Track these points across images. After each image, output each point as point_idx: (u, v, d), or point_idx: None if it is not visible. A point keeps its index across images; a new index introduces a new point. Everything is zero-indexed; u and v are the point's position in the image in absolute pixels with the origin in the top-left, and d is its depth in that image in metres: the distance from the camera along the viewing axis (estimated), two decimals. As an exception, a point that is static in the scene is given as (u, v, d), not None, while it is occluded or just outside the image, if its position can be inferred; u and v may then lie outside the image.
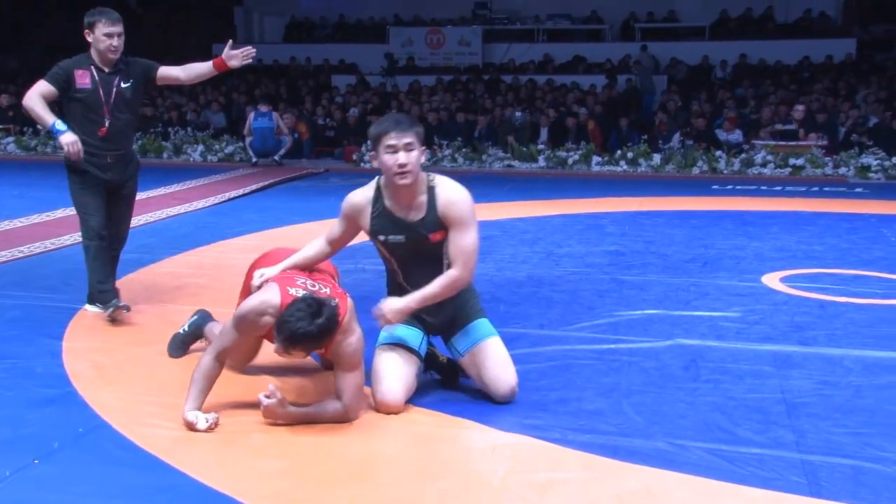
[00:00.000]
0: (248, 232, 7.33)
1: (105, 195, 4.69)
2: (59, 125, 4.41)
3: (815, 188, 10.53)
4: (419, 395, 3.60)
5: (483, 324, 3.60)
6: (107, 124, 4.59)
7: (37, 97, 4.44)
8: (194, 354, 4.14)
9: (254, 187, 10.24)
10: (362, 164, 12.87)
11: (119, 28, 4.56)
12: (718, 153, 12.17)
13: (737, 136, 12.92)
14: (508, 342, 4.17)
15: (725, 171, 11.89)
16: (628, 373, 3.91)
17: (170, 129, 14.21)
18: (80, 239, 4.77)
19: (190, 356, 4.10)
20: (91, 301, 4.82)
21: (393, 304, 3.39)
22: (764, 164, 11.81)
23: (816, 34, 17.76)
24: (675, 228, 7.64)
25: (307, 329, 3.00)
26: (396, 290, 3.57)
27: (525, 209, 8.75)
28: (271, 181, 10.87)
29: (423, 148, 3.41)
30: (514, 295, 5.33)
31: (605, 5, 19.62)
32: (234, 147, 13.42)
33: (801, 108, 12.89)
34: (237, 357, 3.59)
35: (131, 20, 22.53)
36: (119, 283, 5.50)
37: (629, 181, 11.38)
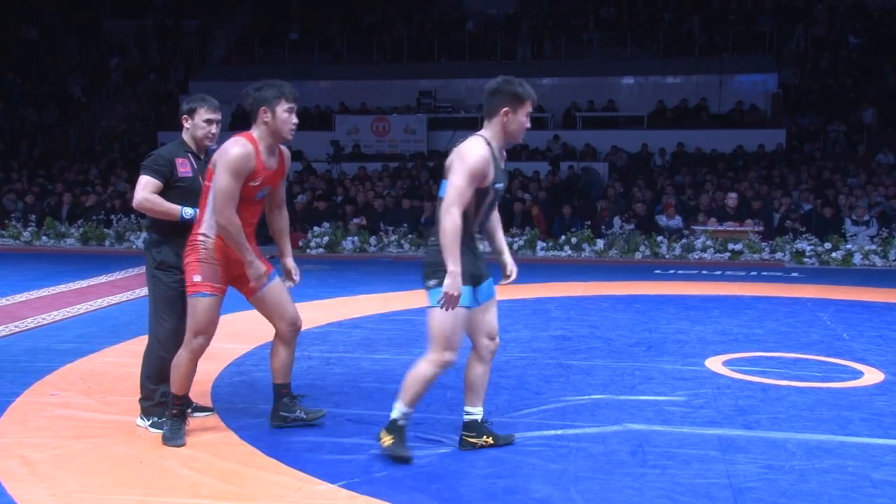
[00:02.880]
0: (191, 320, 7.20)
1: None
2: (187, 210, 4.21)
3: (754, 272, 10.80)
4: (362, 484, 3.52)
5: (492, 283, 4.01)
6: None
7: (153, 196, 4.21)
8: (123, 453, 4.02)
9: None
10: (308, 251, 12.84)
11: (219, 115, 4.38)
12: (660, 238, 12.45)
13: (677, 221, 13.27)
14: (456, 429, 4.14)
15: (667, 256, 12.15)
16: (576, 459, 3.90)
17: (112, 216, 14.05)
18: (149, 340, 4.41)
19: (123, 454, 3.98)
20: (146, 413, 4.36)
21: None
22: (704, 249, 12.11)
23: (748, 125, 18.54)
24: (619, 313, 7.73)
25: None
26: (466, 240, 3.77)
27: (471, 295, 8.77)
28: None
29: None
30: (461, 381, 5.28)
31: (547, 95, 20.22)
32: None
33: (733, 195, 13.34)
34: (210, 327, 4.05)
35: (77, 108, 22.57)
36: (57, 374, 5.36)
37: (573, 266, 11.54)
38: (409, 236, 13.10)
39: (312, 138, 19.15)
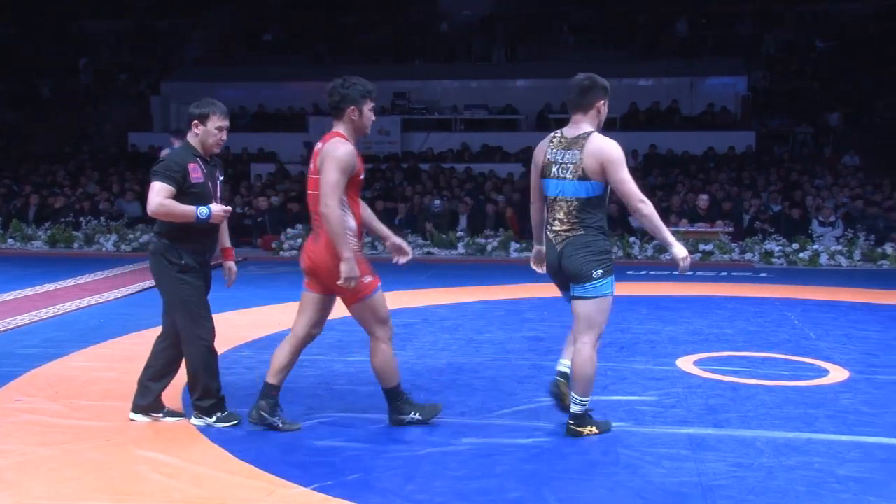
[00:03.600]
0: (162, 322, 7.14)
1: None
2: (202, 210, 4.21)
3: (724, 273, 10.91)
4: (335, 486, 3.52)
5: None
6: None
7: (167, 201, 4.16)
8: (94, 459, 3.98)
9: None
10: (281, 253, 12.78)
11: (228, 122, 4.38)
12: (632, 239, 12.54)
13: (649, 222, 13.34)
14: (428, 430, 4.14)
15: (639, 257, 12.24)
16: (549, 459, 3.91)
17: (81, 218, 13.87)
18: (192, 341, 4.36)
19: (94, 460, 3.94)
20: (207, 412, 4.37)
21: None
22: (675, 250, 12.18)
23: (719, 127, 18.73)
24: (591, 314, 7.75)
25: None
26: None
27: (445, 296, 8.80)
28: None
29: None
30: (435, 382, 5.30)
31: (521, 97, 20.29)
32: (150, 236, 13.17)
33: (704, 197, 13.47)
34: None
35: (46, 107, 22.22)
36: (23, 379, 5.29)
37: (546, 267, 11.55)
38: (383, 238, 13.05)
39: (285, 140, 19.08)
